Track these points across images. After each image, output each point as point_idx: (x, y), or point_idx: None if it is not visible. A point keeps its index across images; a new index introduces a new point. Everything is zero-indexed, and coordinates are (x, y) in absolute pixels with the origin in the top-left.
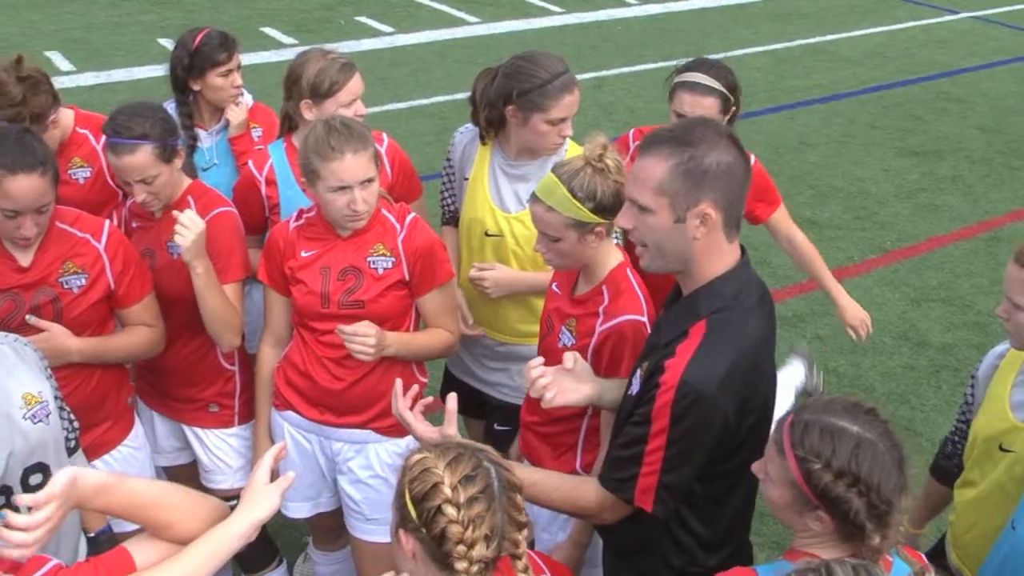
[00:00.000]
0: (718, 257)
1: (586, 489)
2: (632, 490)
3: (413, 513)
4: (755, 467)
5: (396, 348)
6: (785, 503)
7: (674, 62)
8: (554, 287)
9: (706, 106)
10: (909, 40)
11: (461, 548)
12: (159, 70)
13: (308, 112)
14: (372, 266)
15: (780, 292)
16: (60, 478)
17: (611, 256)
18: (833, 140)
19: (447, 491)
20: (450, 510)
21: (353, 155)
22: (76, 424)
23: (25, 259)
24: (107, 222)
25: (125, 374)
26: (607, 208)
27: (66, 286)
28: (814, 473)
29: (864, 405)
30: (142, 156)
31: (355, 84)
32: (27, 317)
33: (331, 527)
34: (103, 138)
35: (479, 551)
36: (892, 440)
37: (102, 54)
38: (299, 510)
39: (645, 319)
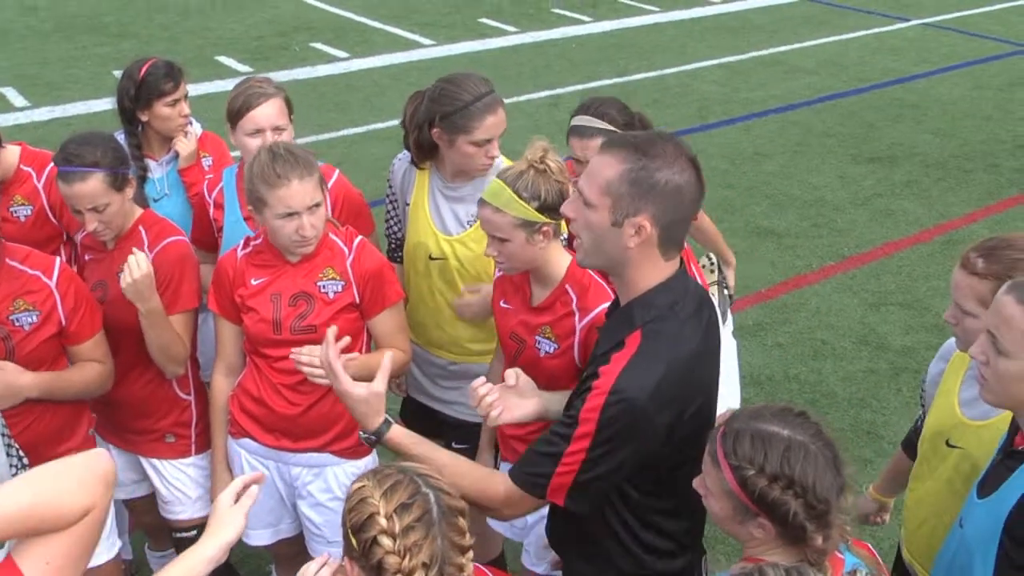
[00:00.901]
0: (651, 270)
1: (496, 482)
2: (544, 488)
3: (353, 542)
4: (695, 483)
5: (354, 369)
6: (726, 514)
7: (629, 78)
8: (502, 304)
9: (594, 148)
10: (862, 48)
11: None
12: (113, 104)
13: (231, 136)
14: (323, 291)
15: (740, 301)
16: None
17: (563, 257)
18: (788, 149)
19: (382, 521)
20: (386, 540)
21: (299, 181)
22: (25, 460)
23: None
24: (58, 259)
25: (84, 405)
26: (552, 207)
27: (17, 323)
28: (749, 480)
29: (794, 409)
30: (93, 184)
31: (262, 113)
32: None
33: (293, 553)
34: (44, 176)
35: None
36: (824, 440)
37: (57, 87)
38: (260, 537)
39: None
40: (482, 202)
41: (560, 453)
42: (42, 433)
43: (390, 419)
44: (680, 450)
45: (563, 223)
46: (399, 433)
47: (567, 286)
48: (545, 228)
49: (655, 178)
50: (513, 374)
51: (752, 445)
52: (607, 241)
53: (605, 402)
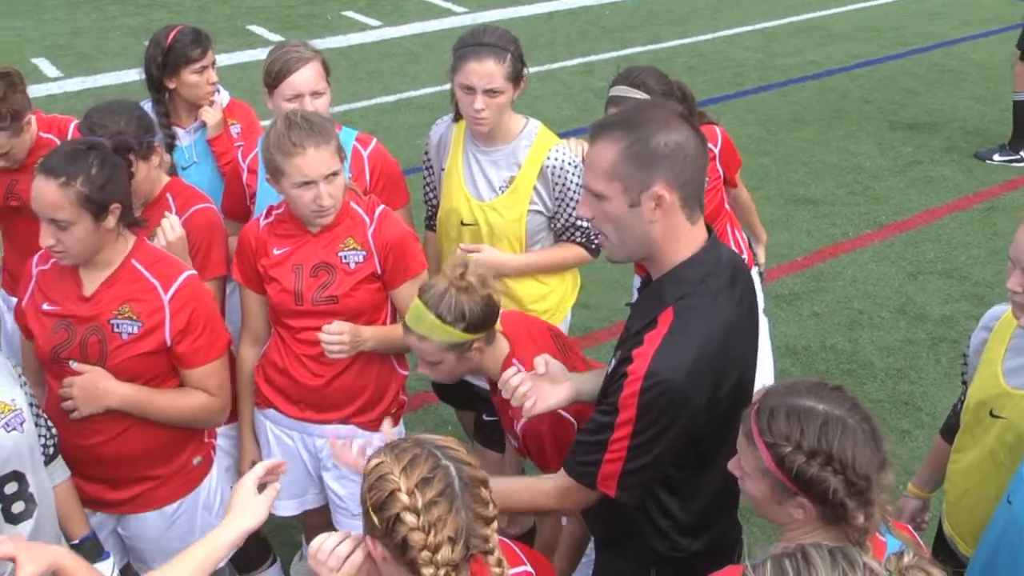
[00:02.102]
0: (680, 240)
1: (541, 483)
2: (594, 476)
3: (375, 520)
4: (731, 466)
5: (375, 342)
6: (764, 495)
7: (664, 44)
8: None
9: None
10: (900, 12)
11: (426, 554)
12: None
13: (268, 101)
14: (344, 261)
15: (775, 270)
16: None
17: (500, 352)
18: (825, 116)
19: (404, 498)
20: (409, 517)
21: (315, 149)
22: (54, 431)
23: (89, 287)
24: (185, 274)
25: (194, 433)
26: (479, 324)
27: (116, 329)
28: (786, 457)
29: (828, 384)
30: None
31: (301, 78)
32: (70, 362)
33: (321, 524)
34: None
35: (444, 554)
36: (862, 414)
37: (89, 59)
38: (286, 508)
39: None
40: (406, 328)
41: (605, 440)
42: (131, 451)
43: None
44: (721, 425)
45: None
46: None
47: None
48: (476, 344)
49: (653, 144)
50: (542, 361)
51: (788, 421)
52: (631, 225)
53: (641, 387)
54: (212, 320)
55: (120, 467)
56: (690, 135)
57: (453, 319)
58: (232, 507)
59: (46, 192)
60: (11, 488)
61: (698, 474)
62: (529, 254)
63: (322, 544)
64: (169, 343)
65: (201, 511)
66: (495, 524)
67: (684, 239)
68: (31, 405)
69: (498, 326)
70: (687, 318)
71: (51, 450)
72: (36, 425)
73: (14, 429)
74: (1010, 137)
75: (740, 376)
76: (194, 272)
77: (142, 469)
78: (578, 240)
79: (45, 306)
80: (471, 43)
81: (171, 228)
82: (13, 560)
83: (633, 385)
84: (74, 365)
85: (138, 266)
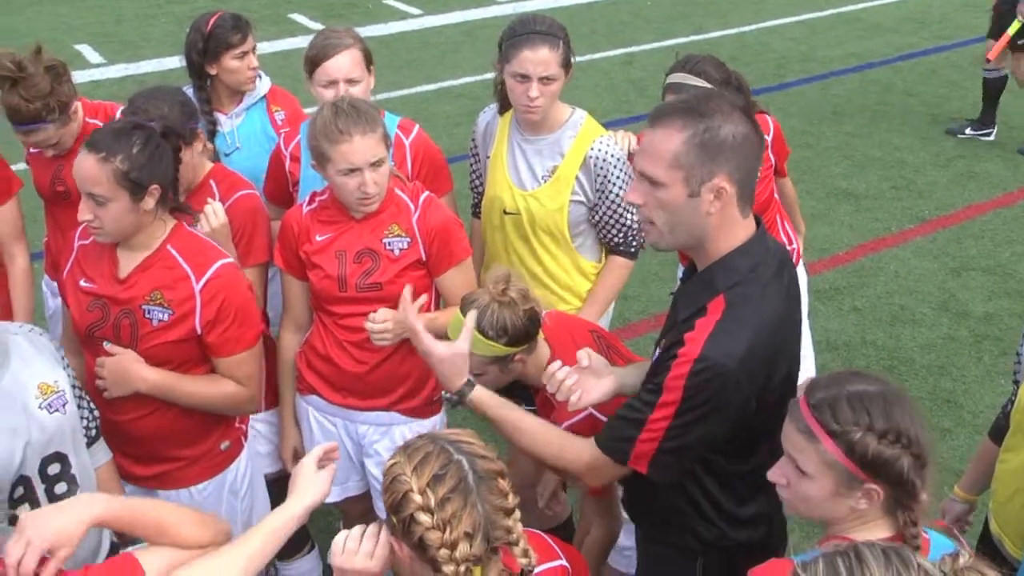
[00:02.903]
0: (732, 231)
1: (579, 447)
2: (627, 454)
3: (394, 521)
4: (772, 475)
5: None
6: (827, 493)
7: (706, 35)
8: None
9: None
10: (945, 4)
11: (444, 552)
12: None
13: (309, 87)
14: (388, 248)
15: (816, 264)
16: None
17: (543, 358)
18: (868, 109)
19: (417, 497)
20: (423, 517)
21: (361, 137)
22: (96, 412)
23: (125, 268)
24: (220, 262)
25: (224, 419)
26: (521, 338)
27: (147, 315)
28: (857, 443)
29: (860, 370)
30: None
31: (335, 64)
32: (104, 343)
33: (361, 511)
34: None
35: (463, 551)
36: (901, 389)
37: (132, 46)
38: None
39: None
40: (447, 340)
41: (644, 419)
42: (159, 430)
43: (472, 379)
44: (771, 416)
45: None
46: (482, 394)
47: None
48: (519, 356)
49: (722, 135)
50: (585, 355)
51: (851, 407)
52: (686, 214)
53: (691, 370)
54: (244, 310)
55: (146, 445)
56: (752, 129)
57: (496, 334)
58: (295, 485)
59: (86, 166)
60: (54, 469)
61: (746, 463)
62: (592, 303)
63: (344, 545)
64: (199, 331)
65: (227, 495)
66: (517, 514)
67: (734, 231)
68: (74, 387)
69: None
70: (739, 306)
71: (93, 431)
72: (78, 407)
73: (56, 411)
74: (980, 113)
75: (789, 368)
76: (230, 261)
77: (168, 449)
78: (618, 240)
79: (83, 283)
80: (523, 31)
81: (215, 214)
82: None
83: (682, 367)
84: (107, 347)
85: (173, 252)
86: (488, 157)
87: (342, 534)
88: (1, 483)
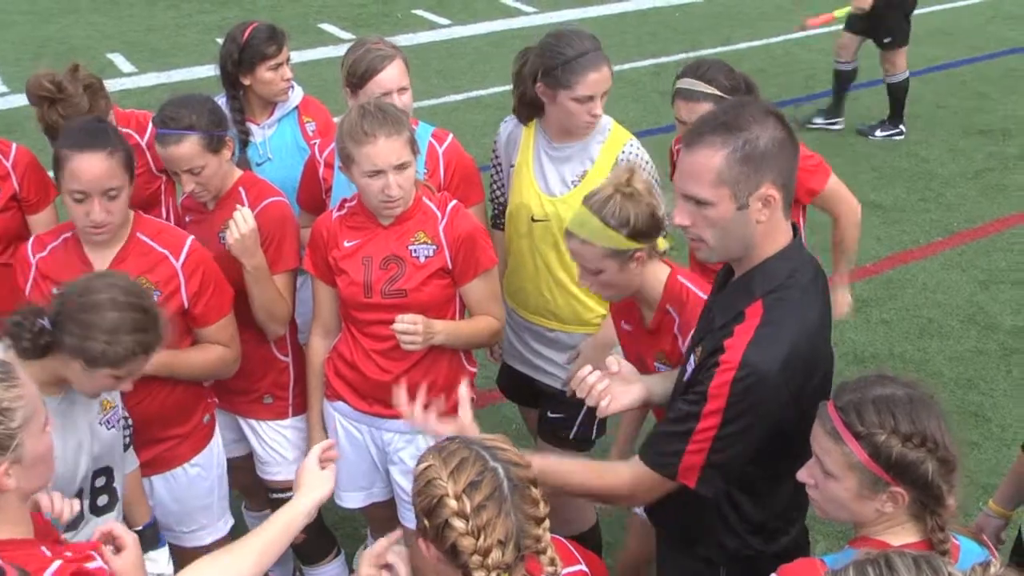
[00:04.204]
0: (775, 237)
1: (618, 470)
2: (676, 467)
3: (426, 524)
4: (802, 476)
5: (445, 336)
6: (852, 495)
7: (734, 46)
8: (624, 325)
9: (701, 111)
10: (974, 16)
11: (476, 558)
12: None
13: (348, 99)
14: (414, 255)
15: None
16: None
17: (661, 273)
18: None
19: (453, 503)
20: (458, 523)
21: (386, 139)
22: (130, 421)
23: (100, 265)
24: (189, 239)
25: (202, 392)
26: (643, 232)
27: None
28: (882, 445)
29: (889, 374)
30: (188, 146)
31: (388, 76)
32: None
33: (386, 517)
34: (147, 134)
35: (495, 558)
36: (929, 392)
37: (163, 55)
38: (352, 500)
39: None
40: (568, 233)
41: (690, 431)
42: (153, 413)
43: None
44: (805, 422)
45: (660, 240)
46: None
47: (667, 306)
48: (638, 254)
49: (761, 145)
50: (615, 361)
51: (877, 410)
52: (736, 228)
53: (735, 377)
54: (219, 278)
55: (144, 431)
56: (787, 132)
57: (618, 223)
58: (301, 483)
59: (96, 163)
60: (100, 482)
61: (776, 473)
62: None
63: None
64: (186, 306)
65: (216, 468)
66: (547, 523)
67: (778, 236)
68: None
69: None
70: (779, 311)
71: (127, 440)
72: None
73: (113, 427)
74: (889, 113)
75: (825, 374)
76: (192, 236)
77: (162, 430)
78: None
79: (55, 290)
80: (580, 53)
81: (243, 220)
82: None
83: (725, 374)
84: None
85: (144, 238)
86: (512, 166)
87: (367, 558)
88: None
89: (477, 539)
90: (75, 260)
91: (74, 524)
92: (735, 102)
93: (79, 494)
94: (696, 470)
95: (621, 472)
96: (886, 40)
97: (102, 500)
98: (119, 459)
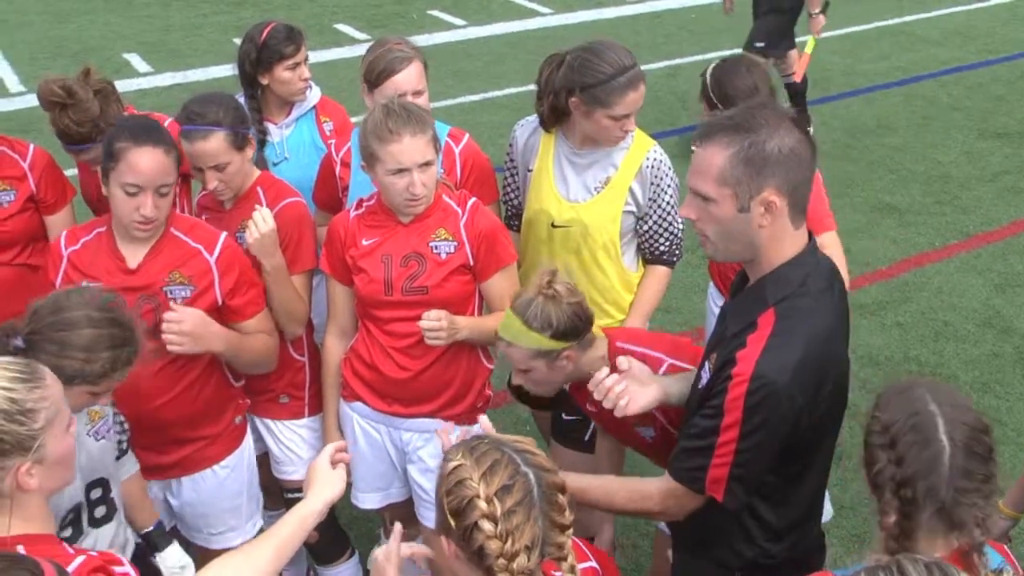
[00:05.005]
0: (784, 244)
1: (646, 486)
2: (703, 481)
3: (452, 524)
4: None
5: (468, 331)
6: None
7: None
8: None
9: None
10: (991, 19)
11: (502, 561)
12: (234, 70)
13: (366, 98)
14: (435, 251)
15: (860, 279)
16: None
17: (600, 350)
18: (912, 123)
19: (483, 505)
20: (487, 525)
21: (411, 137)
22: (127, 425)
23: (133, 260)
24: (223, 235)
25: (233, 393)
26: (567, 333)
27: (170, 295)
28: (870, 420)
29: (968, 405)
30: (215, 142)
31: (405, 77)
32: (170, 301)
33: (403, 518)
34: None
35: (520, 563)
36: (966, 441)
37: (179, 55)
38: (369, 500)
39: None
40: (497, 335)
41: (713, 445)
42: (182, 414)
43: None
44: (818, 429)
45: (595, 328)
46: None
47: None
48: (567, 353)
49: (767, 149)
50: (625, 361)
51: (895, 396)
52: (736, 229)
53: (748, 389)
54: (253, 273)
55: (172, 430)
56: (801, 139)
57: (540, 326)
58: (313, 482)
59: (158, 158)
60: (96, 493)
61: (791, 479)
62: (637, 314)
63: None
64: (220, 301)
65: (247, 470)
66: (570, 531)
67: (787, 243)
68: (112, 412)
69: (596, 330)
70: (790, 319)
71: (124, 445)
72: (113, 423)
73: (103, 438)
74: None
75: (837, 381)
76: (226, 232)
77: (191, 430)
78: (663, 249)
79: (85, 283)
80: (620, 72)
81: (263, 220)
82: None
83: (739, 388)
84: (175, 305)
85: (178, 233)
86: (530, 171)
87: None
88: (58, 511)
89: (504, 543)
90: (106, 254)
91: (73, 538)
92: (753, 104)
93: (76, 508)
94: (723, 482)
95: (648, 487)
96: (757, 45)
97: (99, 511)
98: (113, 469)
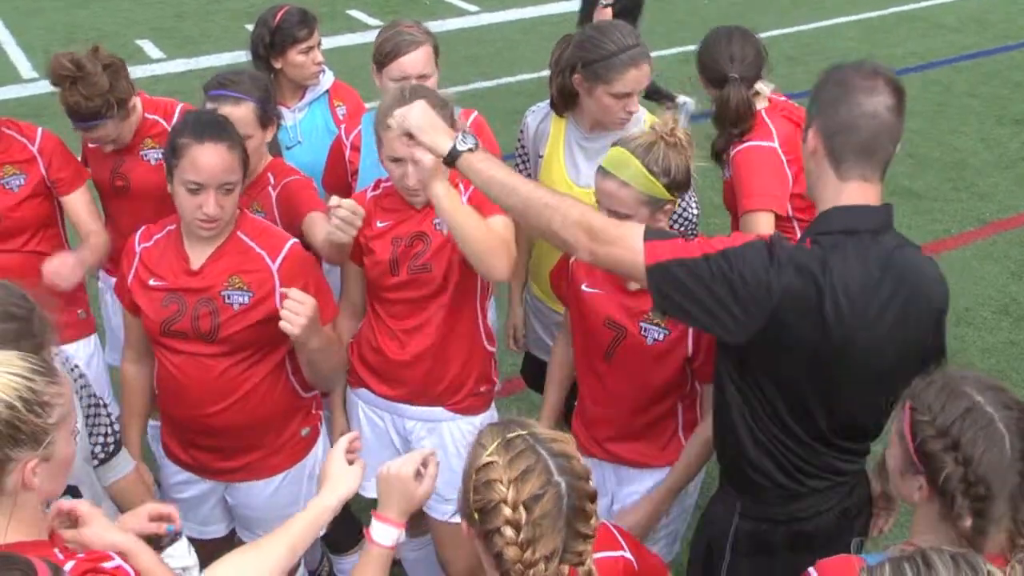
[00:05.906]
0: (826, 188)
1: (700, 433)
2: (652, 240)
3: (476, 518)
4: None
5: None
6: (896, 464)
7: (764, 34)
8: (585, 288)
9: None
10: (1008, 5)
11: (519, 567)
12: (248, 55)
13: (376, 78)
14: (438, 227)
15: None
16: None
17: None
18: (929, 109)
19: (508, 512)
20: (509, 532)
21: None
22: (116, 426)
23: (197, 261)
24: (291, 242)
25: (301, 403)
26: (680, 185)
27: (227, 301)
28: (918, 425)
29: (1000, 385)
30: (244, 111)
31: (411, 60)
32: (283, 291)
33: None
34: (175, 120)
35: (538, 571)
36: (1020, 430)
37: (192, 41)
38: (374, 489)
39: None
40: (603, 172)
41: (693, 243)
42: (246, 421)
43: (468, 135)
44: (818, 380)
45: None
46: (475, 156)
47: None
48: (668, 207)
49: (823, 89)
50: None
51: (936, 394)
52: (806, 160)
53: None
54: (322, 282)
55: (232, 436)
56: (866, 90)
57: (660, 171)
58: (327, 478)
59: (221, 155)
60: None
61: (791, 429)
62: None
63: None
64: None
65: (307, 481)
66: (593, 539)
67: (829, 189)
68: (91, 405)
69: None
70: (822, 250)
71: (112, 447)
72: (96, 424)
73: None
74: None
75: (870, 359)
76: (296, 240)
77: (253, 439)
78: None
79: (152, 282)
80: (622, 49)
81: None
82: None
83: (743, 238)
84: (291, 293)
85: (244, 237)
86: (540, 157)
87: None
88: None
89: (524, 551)
90: (173, 253)
91: None
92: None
93: None
94: (657, 258)
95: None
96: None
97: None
98: (85, 475)
